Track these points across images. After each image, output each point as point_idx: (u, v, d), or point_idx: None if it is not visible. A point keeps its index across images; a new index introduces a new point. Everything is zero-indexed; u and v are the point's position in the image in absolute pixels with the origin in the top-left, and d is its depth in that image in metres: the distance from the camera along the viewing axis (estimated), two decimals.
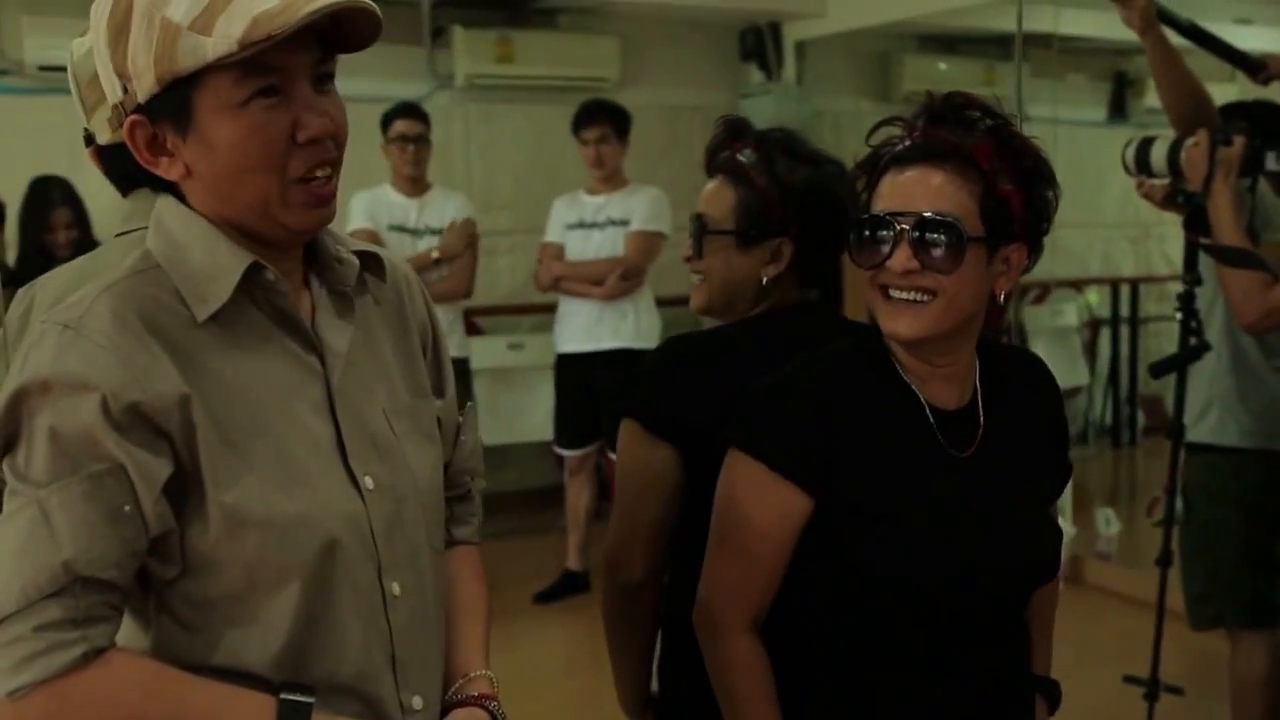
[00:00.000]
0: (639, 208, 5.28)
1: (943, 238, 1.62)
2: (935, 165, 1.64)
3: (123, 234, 1.64)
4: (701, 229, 2.05)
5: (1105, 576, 5.42)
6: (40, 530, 1.18)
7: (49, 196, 4.58)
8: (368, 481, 1.33)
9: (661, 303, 5.59)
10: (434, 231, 5.14)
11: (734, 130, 2.06)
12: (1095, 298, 7.92)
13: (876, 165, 1.71)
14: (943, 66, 7.45)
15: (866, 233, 1.67)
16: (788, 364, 1.78)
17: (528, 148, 6.54)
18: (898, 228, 1.63)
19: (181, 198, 1.32)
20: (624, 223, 5.28)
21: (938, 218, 1.62)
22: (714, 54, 7.13)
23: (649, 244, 5.29)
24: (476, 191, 6.22)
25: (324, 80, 1.29)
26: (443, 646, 1.47)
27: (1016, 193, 1.66)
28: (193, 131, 1.24)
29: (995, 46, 7.29)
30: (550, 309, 5.71)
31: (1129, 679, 3.35)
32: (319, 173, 1.28)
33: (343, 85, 1.34)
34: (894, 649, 1.72)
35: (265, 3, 1.19)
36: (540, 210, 5.66)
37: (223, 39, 1.18)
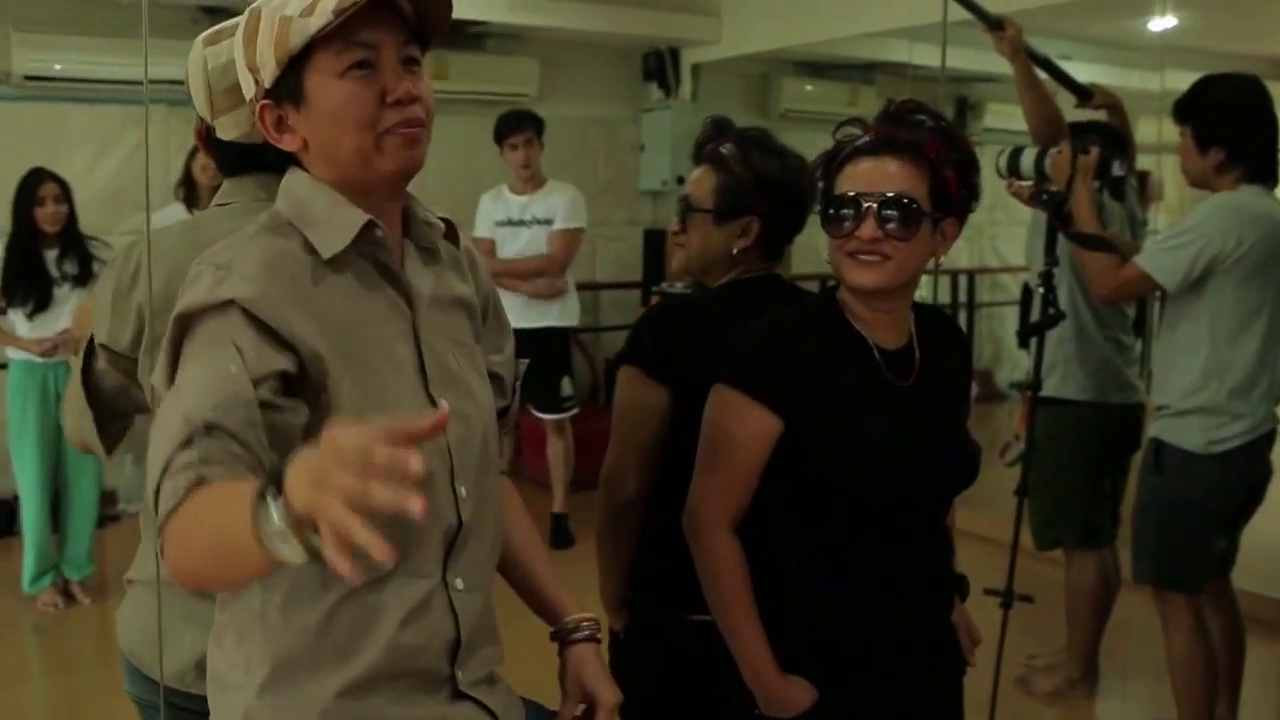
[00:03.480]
0: (560, 207, 5.30)
1: (901, 213, 1.72)
2: (893, 155, 1.74)
3: (221, 205, 1.75)
4: (687, 208, 2.14)
5: (959, 519, 5.56)
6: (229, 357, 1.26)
7: (39, 176, 4.47)
8: (443, 404, 1.34)
9: (579, 287, 5.65)
10: None
11: (719, 128, 2.14)
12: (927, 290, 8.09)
13: (838, 155, 1.80)
14: (809, 88, 7.59)
15: (837, 209, 1.76)
16: (756, 322, 1.87)
17: (454, 153, 6.41)
18: (864, 205, 1.73)
19: (303, 170, 1.41)
20: (548, 221, 5.30)
21: (898, 196, 1.73)
22: (620, 74, 7.19)
23: (572, 240, 5.33)
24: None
25: (410, 63, 1.36)
26: (498, 542, 1.53)
27: (955, 177, 1.77)
28: (304, 103, 1.34)
29: (858, 73, 7.49)
30: None
31: (989, 591, 3.36)
32: (407, 127, 1.35)
33: None
34: (847, 543, 1.81)
35: None
36: (461, 206, 5.58)
37: (321, 14, 1.29)
